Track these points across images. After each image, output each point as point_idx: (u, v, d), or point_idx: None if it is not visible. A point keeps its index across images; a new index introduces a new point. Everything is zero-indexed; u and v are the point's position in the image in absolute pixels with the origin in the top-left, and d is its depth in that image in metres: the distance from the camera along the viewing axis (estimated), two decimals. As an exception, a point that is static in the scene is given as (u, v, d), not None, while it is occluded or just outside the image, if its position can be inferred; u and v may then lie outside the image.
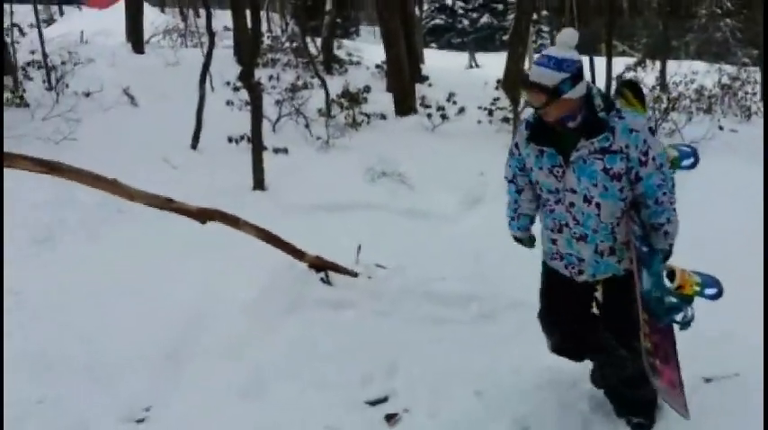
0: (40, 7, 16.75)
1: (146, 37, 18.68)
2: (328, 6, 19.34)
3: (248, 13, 10.31)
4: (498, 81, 13.05)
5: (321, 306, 4.39)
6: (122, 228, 5.90)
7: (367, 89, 12.45)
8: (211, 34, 10.25)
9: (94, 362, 3.68)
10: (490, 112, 11.72)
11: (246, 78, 8.14)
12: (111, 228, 5.96)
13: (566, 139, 2.56)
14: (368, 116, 11.38)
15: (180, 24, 25.55)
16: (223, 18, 17.81)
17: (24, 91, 10.59)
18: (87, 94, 11.38)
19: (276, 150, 8.99)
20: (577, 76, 2.44)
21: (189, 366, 3.72)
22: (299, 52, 17.65)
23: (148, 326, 4.04)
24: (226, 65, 14.49)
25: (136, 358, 3.70)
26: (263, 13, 21.11)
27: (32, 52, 12.96)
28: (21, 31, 13.35)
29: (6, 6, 13.08)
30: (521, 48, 14.07)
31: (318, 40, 19.77)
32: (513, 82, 11.79)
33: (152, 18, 22.12)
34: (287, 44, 19.25)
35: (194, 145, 9.31)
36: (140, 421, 3.32)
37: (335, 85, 12.82)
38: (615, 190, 2.55)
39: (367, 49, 22.30)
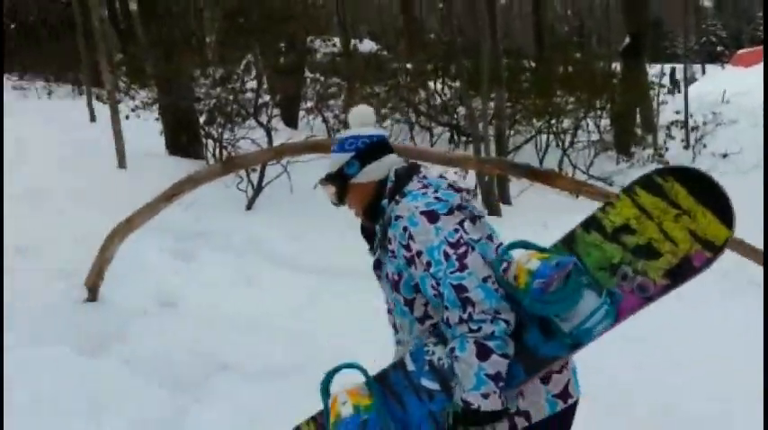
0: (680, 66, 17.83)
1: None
2: None
3: None
4: None
5: None
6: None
7: None
8: None
9: None
10: None
11: None
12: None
13: None
14: None
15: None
16: None
17: (667, 149, 11.50)
18: (724, 156, 11.51)
19: None
20: (366, 153, 1.97)
21: None
22: None
23: None
24: None
25: None
26: None
27: (677, 112, 13.92)
28: (670, 90, 14.52)
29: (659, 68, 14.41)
30: None
31: None
32: None
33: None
34: None
35: None
36: None
37: None
38: (400, 305, 1.93)
39: None
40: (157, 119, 9.42)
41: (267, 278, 5.11)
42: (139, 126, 9.24)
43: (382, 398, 1.88)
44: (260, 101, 8.83)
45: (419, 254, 1.78)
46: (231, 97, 8.54)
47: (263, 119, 8.61)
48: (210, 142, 8.82)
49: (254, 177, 7.69)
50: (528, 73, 13.19)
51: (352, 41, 14.90)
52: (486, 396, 1.69)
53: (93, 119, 14.82)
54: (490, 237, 1.89)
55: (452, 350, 1.73)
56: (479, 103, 10.02)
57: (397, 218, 1.84)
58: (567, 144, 11.38)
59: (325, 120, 10.88)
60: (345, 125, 10.50)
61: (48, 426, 2.84)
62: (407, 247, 1.81)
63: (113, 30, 19.98)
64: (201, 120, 8.88)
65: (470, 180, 8.80)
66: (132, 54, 12.79)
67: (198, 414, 3.13)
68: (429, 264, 1.76)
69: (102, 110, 12.29)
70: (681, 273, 1.75)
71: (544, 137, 11.76)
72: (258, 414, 3.01)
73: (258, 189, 7.60)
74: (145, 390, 3.23)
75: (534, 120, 11.68)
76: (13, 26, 30.11)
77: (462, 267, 1.73)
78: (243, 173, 7.41)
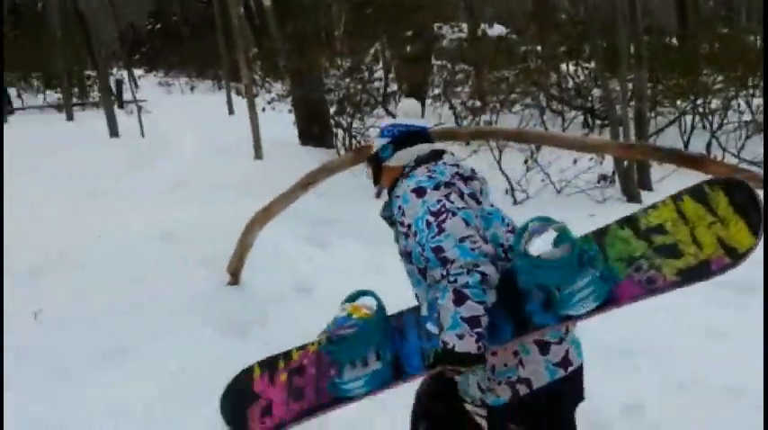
0: None
1: None
2: None
3: None
4: None
5: None
6: None
7: None
8: None
9: None
10: None
11: None
12: None
13: None
14: None
15: None
16: None
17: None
18: None
19: None
20: (401, 140, 2.20)
21: None
22: None
23: None
24: None
25: None
26: None
27: None
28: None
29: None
30: None
31: None
32: None
33: None
34: None
35: None
36: None
37: None
38: (416, 275, 2.11)
39: None
40: (290, 110, 9.79)
41: (394, 266, 5.16)
42: (274, 118, 9.65)
43: (384, 323, 2.17)
44: (388, 89, 8.94)
45: (409, 226, 2.00)
46: (360, 87, 8.70)
47: (392, 107, 8.71)
48: (340, 132, 9.04)
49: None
50: (670, 51, 12.40)
51: (482, 26, 14.68)
52: (460, 336, 1.82)
53: (231, 112, 15.70)
54: (491, 214, 2.06)
55: (436, 299, 1.90)
56: (616, 85, 9.54)
57: (396, 197, 2.09)
58: (715, 126, 10.57)
59: (452, 107, 10.81)
60: (473, 112, 10.50)
61: (193, 403, 3.03)
62: (402, 223, 2.04)
63: (248, 25, 20.95)
64: (332, 110, 9.13)
65: (607, 165, 8.41)
66: (267, 49, 13.34)
67: (333, 398, 3.21)
68: (416, 234, 1.97)
69: (240, 103, 12.92)
70: (695, 274, 1.81)
71: (689, 118, 11.00)
72: (389, 400, 3.06)
73: (387, 177, 7.70)
74: (283, 373, 3.36)
75: (678, 102, 10.95)
76: (158, 26, 32.35)
77: (440, 231, 1.90)
78: (372, 161, 7.52)
